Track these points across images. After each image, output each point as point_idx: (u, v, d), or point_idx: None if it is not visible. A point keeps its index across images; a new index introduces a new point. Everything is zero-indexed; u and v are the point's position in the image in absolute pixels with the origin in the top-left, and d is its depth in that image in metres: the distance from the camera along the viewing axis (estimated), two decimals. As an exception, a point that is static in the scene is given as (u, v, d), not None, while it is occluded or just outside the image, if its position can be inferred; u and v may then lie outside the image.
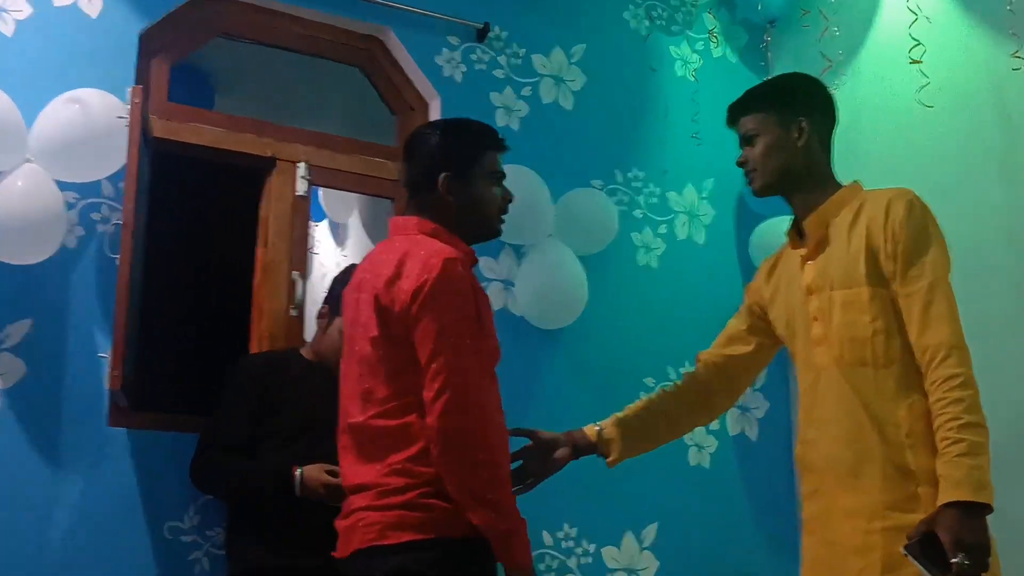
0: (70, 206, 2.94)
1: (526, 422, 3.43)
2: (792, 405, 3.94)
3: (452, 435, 2.06)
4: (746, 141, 2.39)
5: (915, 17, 3.60)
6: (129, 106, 2.87)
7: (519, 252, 3.63)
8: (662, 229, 3.96)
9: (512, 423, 3.67)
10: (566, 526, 3.52)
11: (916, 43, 3.54)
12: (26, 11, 3.04)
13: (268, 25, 3.50)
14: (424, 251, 2.19)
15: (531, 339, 3.60)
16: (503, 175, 2.39)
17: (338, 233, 5.24)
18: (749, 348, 2.54)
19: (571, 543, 3.52)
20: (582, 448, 2.51)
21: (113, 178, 3.00)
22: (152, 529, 2.89)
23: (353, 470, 2.20)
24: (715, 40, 4.21)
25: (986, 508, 2.01)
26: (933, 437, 2.09)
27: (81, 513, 2.82)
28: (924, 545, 1.98)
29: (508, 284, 3.60)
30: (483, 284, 3.40)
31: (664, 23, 4.17)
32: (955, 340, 2.11)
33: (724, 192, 4.08)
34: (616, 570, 3.58)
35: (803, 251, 2.36)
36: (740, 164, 2.41)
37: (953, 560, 1.93)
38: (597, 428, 2.51)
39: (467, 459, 2.07)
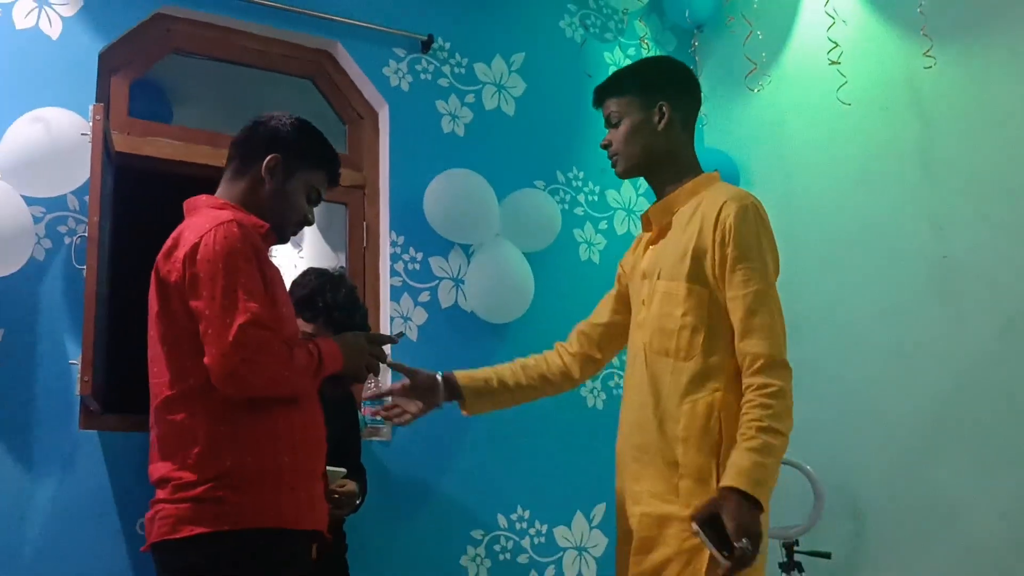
0: (37, 220, 2.91)
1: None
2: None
3: (231, 381, 1.98)
4: (610, 123, 2.32)
5: (832, 20, 3.66)
6: (91, 123, 2.85)
7: (468, 251, 3.63)
8: (602, 225, 3.95)
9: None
10: (519, 508, 3.53)
11: (834, 45, 3.60)
12: (-12, 35, 2.98)
13: (222, 41, 3.50)
14: (202, 219, 2.08)
15: (482, 333, 3.58)
16: (319, 200, 2.32)
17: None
18: (620, 317, 2.47)
19: (524, 524, 3.52)
20: (452, 393, 2.47)
21: (78, 192, 2.98)
22: (124, 526, 2.85)
23: (155, 464, 2.11)
24: (646, 46, 4.19)
25: (759, 505, 1.97)
26: (708, 437, 2.08)
27: (55, 513, 2.79)
28: (710, 523, 1.98)
29: (459, 282, 3.59)
30: (434, 282, 3.55)
31: (598, 31, 4.17)
32: (774, 354, 2.05)
33: (660, 188, 4.09)
34: (567, 548, 3.57)
35: (649, 235, 2.34)
36: (603, 146, 2.34)
37: (737, 544, 1.93)
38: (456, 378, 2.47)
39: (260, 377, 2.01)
